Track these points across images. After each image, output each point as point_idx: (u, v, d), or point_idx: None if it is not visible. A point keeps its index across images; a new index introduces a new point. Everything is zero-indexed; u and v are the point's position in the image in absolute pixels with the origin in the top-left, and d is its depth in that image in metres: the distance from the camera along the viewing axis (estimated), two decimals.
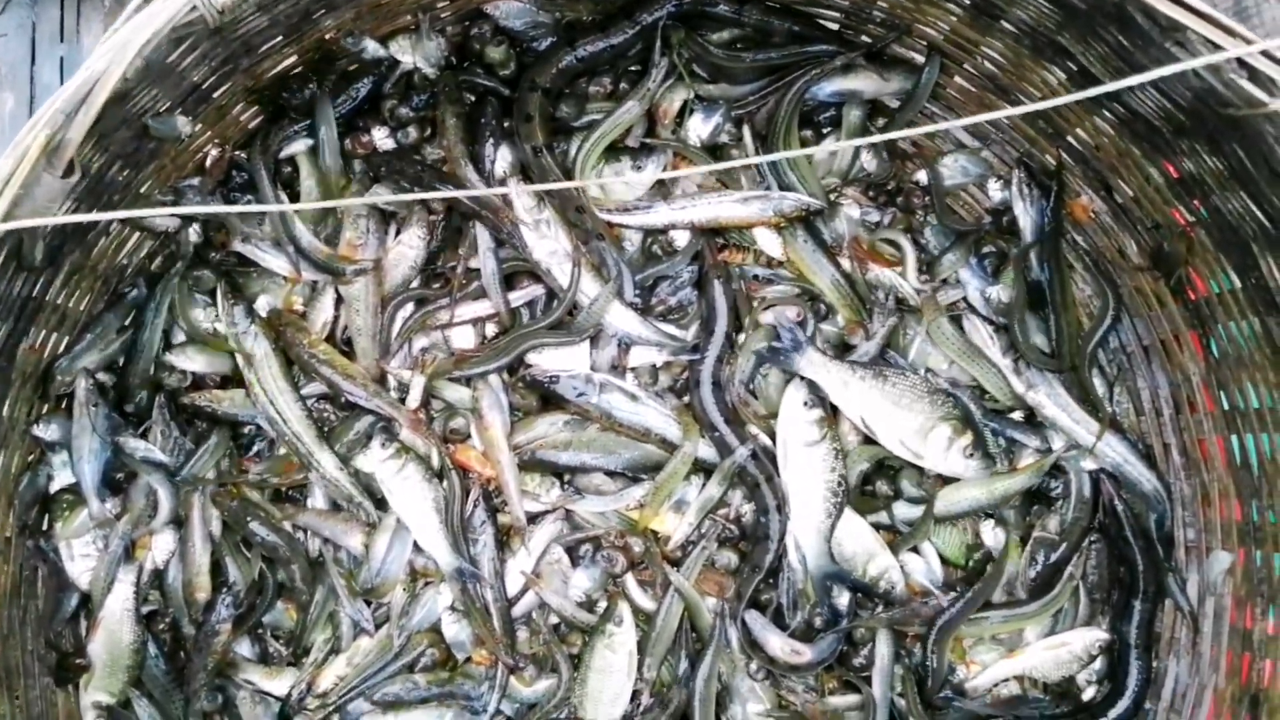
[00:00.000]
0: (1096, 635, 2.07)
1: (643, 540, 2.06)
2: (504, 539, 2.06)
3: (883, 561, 2.07)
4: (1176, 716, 2.05)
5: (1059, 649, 2.08)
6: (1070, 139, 2.06)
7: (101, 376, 1.96)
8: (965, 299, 2.17)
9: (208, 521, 1.98)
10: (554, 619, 2.07)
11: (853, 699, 2.08)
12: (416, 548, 2.02)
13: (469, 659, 2.05)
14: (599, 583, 2.06)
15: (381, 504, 2.03)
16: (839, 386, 2.05)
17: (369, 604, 2.03)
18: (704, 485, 2.08)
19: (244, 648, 2.04)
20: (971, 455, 2.05)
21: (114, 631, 1.90)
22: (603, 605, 2.07)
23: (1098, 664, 2.10)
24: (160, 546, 1.96)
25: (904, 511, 2.13)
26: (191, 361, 2.01)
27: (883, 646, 2.06)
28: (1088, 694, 2.10)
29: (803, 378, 2.06)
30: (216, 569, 2.00)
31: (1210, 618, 2.02)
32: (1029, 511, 2.15)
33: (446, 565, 1.99)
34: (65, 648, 1.92)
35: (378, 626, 2.03)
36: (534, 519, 2.07)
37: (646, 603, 2.07)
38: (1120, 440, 2.10)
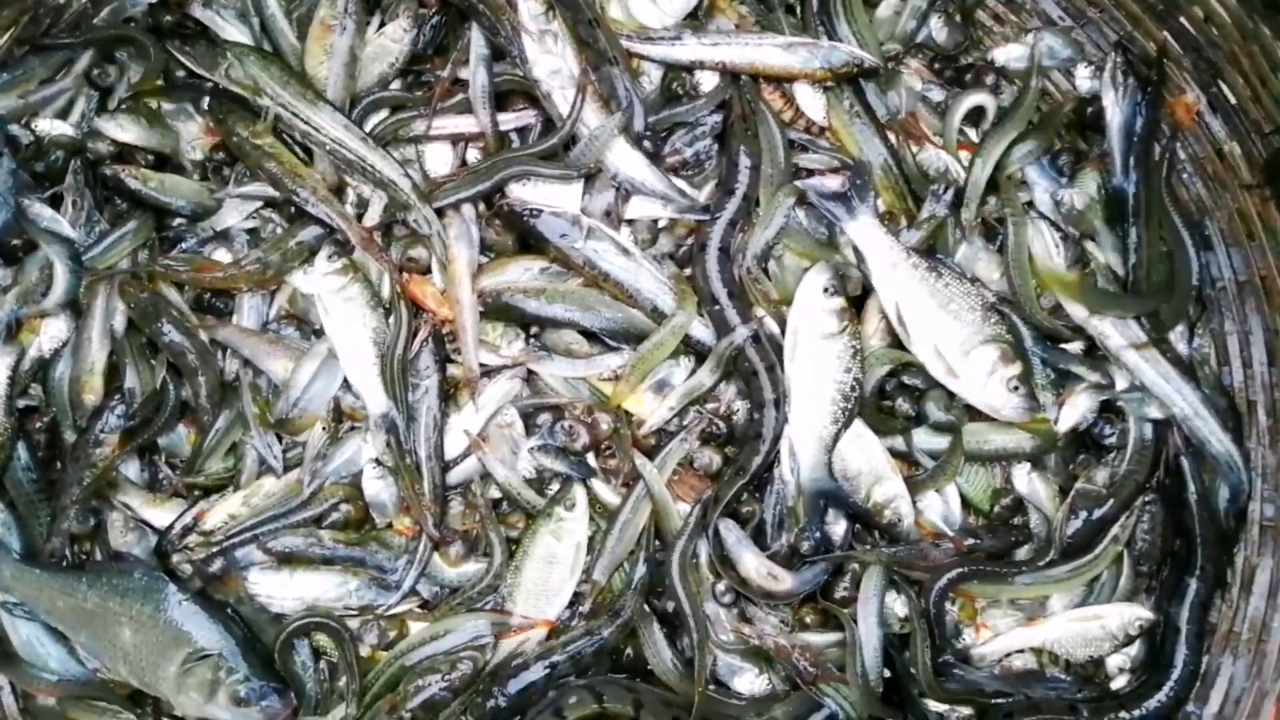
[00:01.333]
0: (1138, 613, 1.72)
1: (612, 419, 1.75)
2: (451, 392, 1.75)
3: (891, 488, 1.74)
4: None
5: (1090, 622, 1.73)
6: (1182, 19, 1.74)
7: (15, 130, 1.69)
8: (1032, 201, 1.84)
9: (111, 314, 1.70)
10: (495, 493, 1.76)
11: (832, 637, 1.73)
12: (347, 385, 1.72)
13: (389, 525, 1.74)
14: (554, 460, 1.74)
15: (318, 334, 1.76)
16: (885, 266, 1.75)
17: (280, 440, 1.73)
18: (694, 370, 1.77)
19: (130, 469, 1.74)
20: (1016, 389, 1.73)
21: None
22: (555, 488, 1.75)
23: (1134, 648, 1.75)
24: (50, 333, 1.68)
25: (925, 440, 1.81)
26: (124, 131, 1.73)
27: (872, 585, 1.71)
28: (1117, 682, 1.75)
29: (828, 263, 1.76)
30: (113, 373, 1.72)
31: None
32: (1074, 459, 1.81)
33: (375, 409, 1.69)
34: None
35: (287, 469, 1.73)
36: (489, 374, 1.76)
37: (606, 493, 1.75)
38: (1193, 389, 1.75)
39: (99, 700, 1.65)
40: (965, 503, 1.80)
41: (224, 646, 1.60)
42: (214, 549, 1.66)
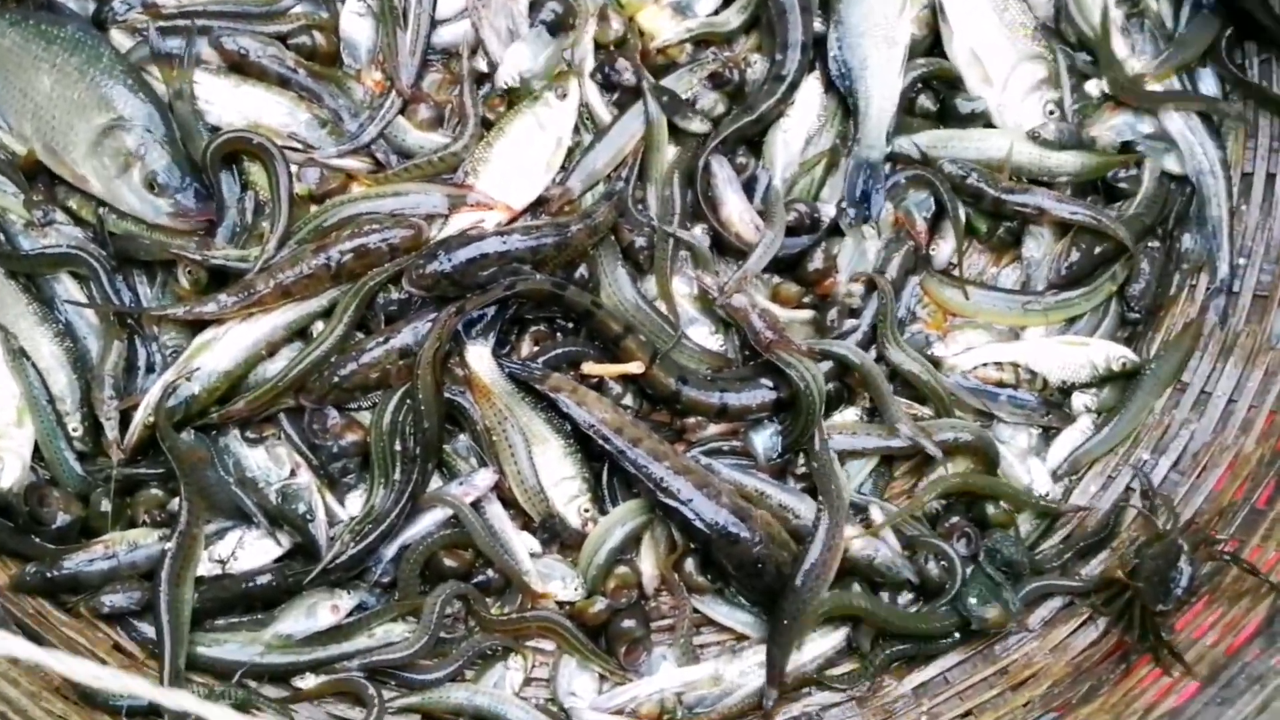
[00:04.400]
0: (1124, 352, 1.65)
1: (623, 24, 1.61)
2: None
3: None
4: (1180, 476, 1.63)
5: (1075, 348, 1.65)
6: None
7: None
8: None
9: None
10: (481, 66, 1.60)
11: (801, 315, 1.62)
12: None
13: (358, 74, 1.57)
14: (550, 52, 1.59)
15: None
16: None
17: None
18: (722, 7, 1.65)
19: None
20: (1052, 113, 1.67)
21: None
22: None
23: (1105, 392, 1.67)
24: None
25: None
26: None
27: None
28: (1082, 422, 1.66)
29: None
30: None
31: (1263, 372, 1.60)
32: (1082, 199, 1.72)
33: None
34: None
35: None
36: None
37: (599, 107, 1.61)
38: (1216, 146, 1.67)
39: None
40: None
41: (153, 125, 1.41)
42: (163, 23, 1.46)
